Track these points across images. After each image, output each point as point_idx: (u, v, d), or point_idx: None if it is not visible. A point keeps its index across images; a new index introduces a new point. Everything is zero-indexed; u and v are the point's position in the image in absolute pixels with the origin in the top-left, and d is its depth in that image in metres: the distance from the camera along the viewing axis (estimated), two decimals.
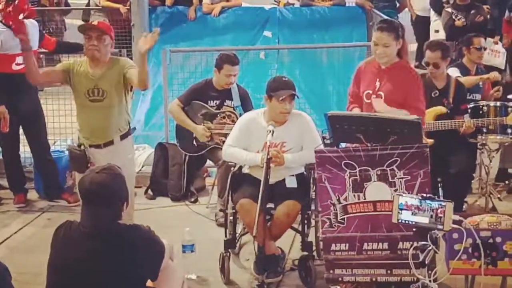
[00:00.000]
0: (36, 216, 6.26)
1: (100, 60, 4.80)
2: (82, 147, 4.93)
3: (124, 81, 4.84)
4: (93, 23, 4.95)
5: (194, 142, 6.21)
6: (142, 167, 6.94)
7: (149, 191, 6.74)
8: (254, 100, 6.10)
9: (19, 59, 6.14)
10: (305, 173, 5.09)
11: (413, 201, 3.60)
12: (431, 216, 3.50)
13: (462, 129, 5.69)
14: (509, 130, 5.90)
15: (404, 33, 4.77)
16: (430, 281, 3.69)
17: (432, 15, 9.78)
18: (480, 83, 6.42)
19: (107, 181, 3.38)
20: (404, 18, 10.36)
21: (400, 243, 4.27)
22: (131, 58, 8.76)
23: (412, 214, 3.60)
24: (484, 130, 5.87)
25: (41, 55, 7.43)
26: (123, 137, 4.94)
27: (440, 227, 3.51)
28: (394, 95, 4.69)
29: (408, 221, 3.57)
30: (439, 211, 3.49)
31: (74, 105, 5.10)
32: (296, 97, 4.95)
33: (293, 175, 5.00)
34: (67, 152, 6.68)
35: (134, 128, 5.15)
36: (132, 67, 4.81)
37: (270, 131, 4.73)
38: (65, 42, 6.86)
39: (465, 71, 6.38)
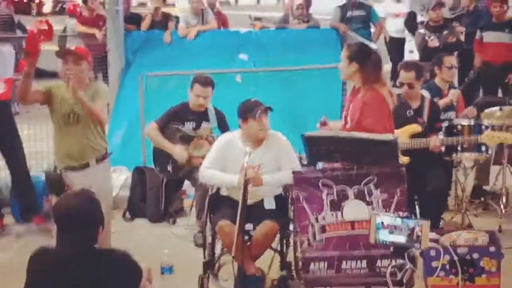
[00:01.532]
0: (12, 241, 6.19)
1: (76, 84, 4.81)
2: (58, 171, 4.94)
3: None
4: (70, 48, 4.98)
5: (172, 164, 6.21)
6: (120, 190, 6.90)
7: (127, 214, 6.71)
8: (231, 123, 6.12)
9: None
10: (282, 193, 5.11)
11: (390, 220, 3.62)
12: (408, 235, 3.53)
13: (431, 148, 5.75)
14: (483, 148, 5.98)
15: (364, 58, 4.73)
16: None
17: (407, 35, 9.92)
18: (454, 102, 6.51)
19: (81, 205, 3.35)
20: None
21: (379, 261, 4.29)
22: (107, 82, 8.85)
23: (390, 233, 3.62)
24: (459, 148, 5.94)
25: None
26: (98, 160, 4.95)
27: (418, 245, 3.53)
28: (353, 118, 4.73)
29: (386, 241, 3.59)
30: (416, 229, 3.52)
31: (50, 130, 5.10)
32: (269, 111, 5.00)
33: (271, 196, 5.02)
34: (43, 177, 6.66)
35: (111, 153, 5.16)
36: (97, 97, 4.86)
37: (247, 153, 4.76)
38: (39, 69, 6.81)
39: (436, 91, 6.47)
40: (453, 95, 6.47)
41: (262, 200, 4.99)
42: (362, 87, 4.72)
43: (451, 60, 6.62)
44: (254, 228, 4.88)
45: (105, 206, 4.37)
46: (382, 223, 3.62)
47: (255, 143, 5.03)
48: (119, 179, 6.94)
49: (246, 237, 4.89)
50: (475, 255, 4.33)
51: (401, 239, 3.53)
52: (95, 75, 7.29)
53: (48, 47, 11.13)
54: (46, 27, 4.64)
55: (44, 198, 6.57)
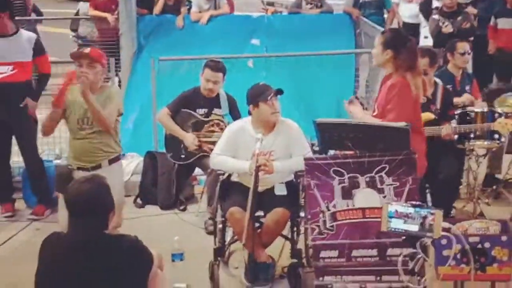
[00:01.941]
0: (24, 226, 6.21)
1: (90, 88, 4.81)
2: (70, 167, 4.96)
3: None
4: (85, 51, 4.97)
5: (183, 151, 6.21)
6: (131, 175, 6.92)
7: (138, 200, 6.72)
8: (242, 108, 6.11)
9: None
10: (294, 180, 5.10)
11: (402, 209, 3.59)
12: (421, 224, 3.50)
13: (443, 136, 5.72)
14: (496, 136, 5.94)
15: (399, 45, 4.60)
16: None
17: (422, 21, 9.83)
18: (467, 88, 6.46)
19: (93, 191, 3.37)
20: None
21: (389, 249, 4.28)
22: (119, 66, 8.84)
23: (402, 222, 3.60)
24: (472, 135, 5.90)
25: None
26: (111, 161, 4.97)
27: (430, 234, 3.51)
28: (378, 104, 4.69)
29: (398, 229, 3.57)
30: (428, 218, 3.49)
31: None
32: (280, 94, 4.98)
33: (282, 183, 5.02)
34: (54, 161, 6.68)
35: (123, 154, 5.16)
36: (109, 102, 4.87)
37: (259, 139, 4.75)
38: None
39: (449, 78, 6.41)
40: (467, 99, 6.40)
41: (273, 187, 4.98)
42: (394, 73, 4.63)
43: (464, 46, 6.54)
44: (264, 215, 4.88)
45: (117, 203, 4.39)
46: (396, 211, 3.59)
47: (266, 129, 5.01)
48: (130, 165, 6.95)
49: (257, 224, 4.89)
50: (487, 244, 4.30)
51: (413, 228, 3.51)
52: (108, 60, 7.24)
53: (60, 30, 11.16)
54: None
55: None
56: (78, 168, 4.93)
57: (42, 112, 7.17)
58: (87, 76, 4.77)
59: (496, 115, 5.96)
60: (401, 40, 4.69)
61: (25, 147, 6.38)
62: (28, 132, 6.36)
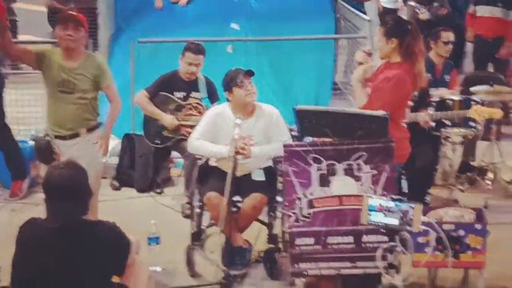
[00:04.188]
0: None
1: (74, 52, 4.77)
2: (48, 138, 4.91)
3: (96, 84, 4.90)
4: (71, 12, 4.90)
5: (161, 133, 6.18)
6: (109, 157, 6.88)
7: (115, 182, 6.69)
8: (221, 94, 6.09)
9: None
10: (272, 166, 5.11)
11: (383, 203, 3.61)
12: (401, 218, 3.53)
13: (421, 123, 5.76)
14: (472, 124, 5.99)
15: (402, 31, 4.52)
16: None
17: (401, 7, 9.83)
18: (447, 77, 6.48)
19: (73, 175, 3.37)
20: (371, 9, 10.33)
21: (364, 236, 4.30)
22: (96, 46, 8.74)
23: (382, 215, 3.62)
24: (448, 123, 5.95)
25: None
26: (89, 130, 4.92)
27: (410, 228, 3.54)
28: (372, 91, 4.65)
29: (378, 222, 3.59)
30: (409, 213, 3.52)
31: (37, 95, 5.06)
32: (250, 75, 4.99)
33: (260, 168, 5.03)
34: (30, 142, 6.61)
35: (101, 123, 5.15)
36: (108, 87, 4.97)
37: (237, 124, 4.75)
38: None
39: (430, 66, 6.41)
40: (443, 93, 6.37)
41: (251, 173, 4.99)
42: (400, 63, 4.55)
43: (449, 35, 6.53)
44: (242, 200, 4.89)
45: (94, 177, 4.37)
46: (380, 205, 3.60)
47: (245, 113, 5.01)
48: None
49: (234, 209, 4.90)
50: (461, 232, 4.37)
51: (393, 221, 3.54)
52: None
53: (36, 8, 10.97)
54: None
55: (31, 164, 6.53)
56: (56, 137, 4.89)
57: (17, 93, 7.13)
58: (71, 39, 4.72)
59: (473, 102, 6.01)
60: (403, 26, 4.64)
61: None
62: None
